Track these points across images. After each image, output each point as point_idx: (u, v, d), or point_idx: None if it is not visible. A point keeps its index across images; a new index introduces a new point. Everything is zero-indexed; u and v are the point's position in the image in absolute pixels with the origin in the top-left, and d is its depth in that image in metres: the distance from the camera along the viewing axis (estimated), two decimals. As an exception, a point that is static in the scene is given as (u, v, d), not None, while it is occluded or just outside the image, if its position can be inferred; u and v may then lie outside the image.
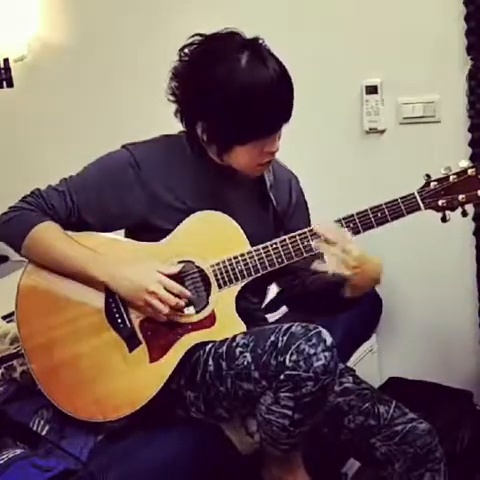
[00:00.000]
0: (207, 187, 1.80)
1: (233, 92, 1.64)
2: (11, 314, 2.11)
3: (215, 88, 1.65)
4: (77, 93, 3.12)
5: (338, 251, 1.67)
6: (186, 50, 1.73)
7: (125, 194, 1.77)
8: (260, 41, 1.71)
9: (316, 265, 1.70)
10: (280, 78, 1.67)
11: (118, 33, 2.98)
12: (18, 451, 1.72)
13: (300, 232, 1.74)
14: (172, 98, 1.76)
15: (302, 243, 1.73)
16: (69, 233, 1.78)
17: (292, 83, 1.70)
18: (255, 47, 1.68)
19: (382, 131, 2.56)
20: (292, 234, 1.74)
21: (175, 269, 1.74)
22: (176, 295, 1.71)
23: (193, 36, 1.73)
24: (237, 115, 1.65)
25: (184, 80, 1.73)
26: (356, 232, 1.72)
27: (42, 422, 1.85)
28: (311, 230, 1.72)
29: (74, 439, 1.80)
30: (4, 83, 3.23)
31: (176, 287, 1.71)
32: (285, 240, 1.74)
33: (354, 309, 2.46)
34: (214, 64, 1.66)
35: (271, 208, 1.88)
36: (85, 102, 3.11)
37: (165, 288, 1.70)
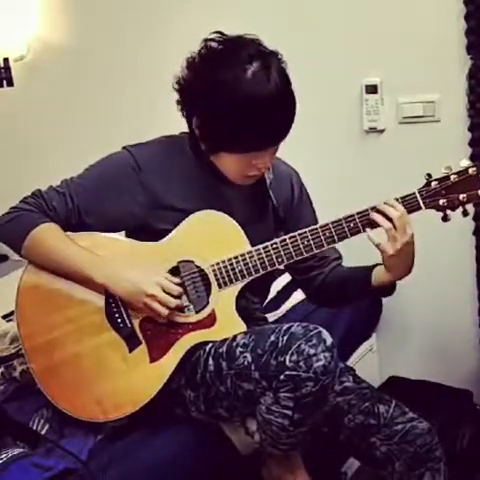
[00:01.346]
0: (207, 187, 1.80)
1: (232, 99, 1.62)
2: (11, 313, 2.11)
3: (217, 91, 1.64)
4: (77, 93, 3.12)
5: (391, 227, 1.68)
6: (207, 44, 1.70)
7: (126, 196, 1.77)
8: (279, 56, 1.68)
9: (368, 232, 1.71)
10: (281, 98, 1.64)
11: (118, 33, 2.98)
12: (18, 450, 1.72)
13: (300, 231, 1.73)
14: (176, 86, 1.75)
15: (302, 242, 1.73)
16: (69, 233, 1.77)
17: (294, 104, 1.68)
18: (267, 60, 1.65)
19: (382, 131, 2.55)
20: (292, 234, 1.74)
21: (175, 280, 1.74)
22: (176, 297, 1.71)
23: (215, 32, 1.71)
24: (229, 123, 1.64)
25: (193, 74, 1.72)
26: (356, 232, 1.72)
27: (42, 421, 1.85)
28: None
29: (74, 438, 1.80)
30: (4, 82, 3.23)
31: (175, 289, 1.71)
32: (285, 240, 1.74)
33: (355, 309, 2.48)
34: (223, 67, 1.64)
35: (271, 206, 1.88)
36: (85, 102, 3.11)
37: (164, 290, 1.70)
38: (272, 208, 1.88)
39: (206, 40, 1.70)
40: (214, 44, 1.69)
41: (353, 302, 2.01)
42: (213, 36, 1.70)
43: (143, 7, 2.87)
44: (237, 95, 1.61)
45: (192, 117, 1.73)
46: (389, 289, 1.83)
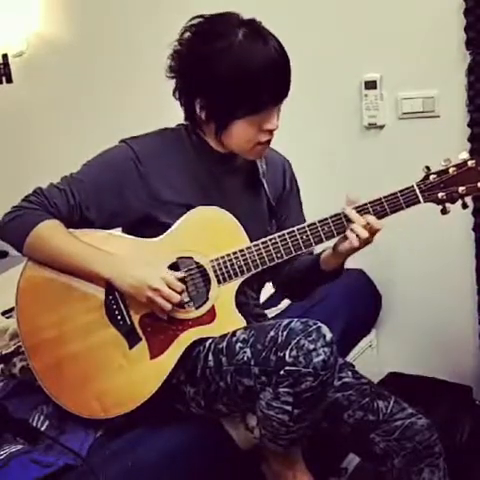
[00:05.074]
0: (207, 178, 1.80)
1: (231, 64, 1.65)
2: (11, 310, 2.11)
3: (214, 61, 1.66)
4: (76, 88, 3.12)
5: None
6: (191, 28, 1.74)
7: (125, 189, 1.76)
8: (257, 21, 1.73)
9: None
10: (278, 52, 1.68)
11: (117, 29, 2.98)
12: (18, 447, 1.72)
13: (299, 227, 1.73)
14: (171, 74, 1.76)
15: (301, 237, 1.73)
16: (71, 230, 1.77)
17: (289, 58, 1.71)
18: (253, 25, 1.71)
19: (381, 126, 2.56)
20: (291, 229, 1.74)
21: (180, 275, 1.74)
22: (178, 292, 1.71)
23: (193, 18, 1.74)
24: (235, 87, 1.66)
25: (184, 56, 1.73)
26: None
27: (42, 418, 1.85)
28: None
29: (74, 434, 1.80)
30: (3, 78, 3.24)
31: (179, 285, 1.71)
32: (284, 235, 1.74)
33: (354, 304, 2.48)
34: (213, 38, 1.67)
35: (264, 196, 1.88)
36: (84, 98, 3.11)
37: (168, 285, 1.70)
38: (266, 197, 1.88)
39: (187, 27, 1.74)
40: (196, 26, 1.73)
41: (310, 290, 1.97)
42: (191, 23, 1.74)
43: (143, 3, 2.87)
44: (235, 59, 1.64)
45: (194, 100, 1.73)
46: (339, 272, 1.82)
